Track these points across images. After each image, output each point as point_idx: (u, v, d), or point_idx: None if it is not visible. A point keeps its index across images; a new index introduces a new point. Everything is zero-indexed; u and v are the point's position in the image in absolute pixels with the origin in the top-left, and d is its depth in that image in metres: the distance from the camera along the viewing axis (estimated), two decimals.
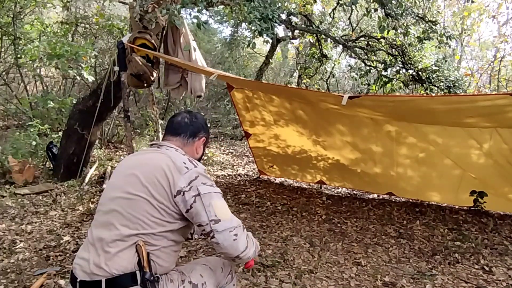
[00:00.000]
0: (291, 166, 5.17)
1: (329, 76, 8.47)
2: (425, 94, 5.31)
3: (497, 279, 2.61)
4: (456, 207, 4.24)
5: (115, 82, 3.94)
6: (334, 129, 4.36)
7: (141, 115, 7.86)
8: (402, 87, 6.24)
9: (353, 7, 5.03)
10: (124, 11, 7.21)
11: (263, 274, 2.56)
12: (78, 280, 1.27)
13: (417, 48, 5.47)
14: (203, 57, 4.42)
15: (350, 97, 2.65)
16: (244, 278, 2.48)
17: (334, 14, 6.09)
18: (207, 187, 1.33)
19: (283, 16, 4.94)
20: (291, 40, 7.66)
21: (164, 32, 3.81)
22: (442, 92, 5.25)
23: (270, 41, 5.92)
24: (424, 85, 5.43)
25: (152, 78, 3.60)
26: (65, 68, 5.12)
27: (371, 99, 3.60)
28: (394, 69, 5.73)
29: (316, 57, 7.19)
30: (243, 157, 7.19)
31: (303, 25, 5.91)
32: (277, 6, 3.55)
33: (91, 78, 5.61)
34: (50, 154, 4.73)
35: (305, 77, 8.09)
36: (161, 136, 4.80)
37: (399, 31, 4.85)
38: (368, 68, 6.20)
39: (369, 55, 6.20)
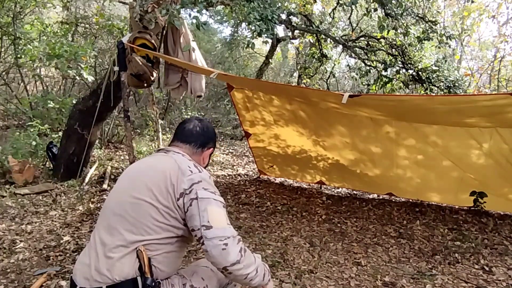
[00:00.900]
0: (291, 166, 5.17)
1: (329, 76, 8.45)
2: (425, 94, 5.30)
3: (497, 279, 2.61)
4: (456, 207, 4.24)
5: (115, 82, 3.95)
6: (334, 130, 4.36)
7: (141, 115, 7.86)
8: (402, 87, 6.22)
9: (353, 7, 5.02)
10: (124, 11, 7.21)
11: None
12: (78, 287, 1.26)
13: (417, 48, 5.46)
14: (203, 57, 4.42)
15: (350, 96, 2.66)
16: None
17: (334, 14, 6.08)
18: (207, 193, 1.31)
19: (283, 16, 4.94)
20: (291, 40, 7.64)
21: (164, 32, 3.82)
22: (442, 92, 5.25)
23: (270, 41, 5.92)
24: (424, 85, 5.42)
25: (152, 78, 3.60)
26: (64, 68, 5.12)
27: (371, 98, 3.60)
28: (394, 69, 5.72)
29: (316, 57, 7.18)
30: (243, 157, 7.19)
31: (303, 25, 5.91)
32: (277, 6, 3.54)
33: (90, 78, 5.61)
34: (50, 154, 4.73)
35: (305, 77, 8.08)
36: (161, 136, 4.81)
37: (399, 31, 4.86)
38: (368, 68, 6.20)
39: (369, 55, 6.19)
